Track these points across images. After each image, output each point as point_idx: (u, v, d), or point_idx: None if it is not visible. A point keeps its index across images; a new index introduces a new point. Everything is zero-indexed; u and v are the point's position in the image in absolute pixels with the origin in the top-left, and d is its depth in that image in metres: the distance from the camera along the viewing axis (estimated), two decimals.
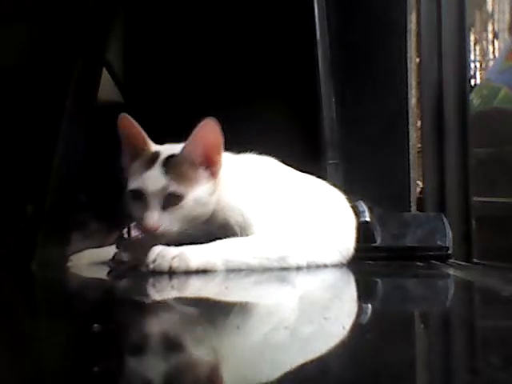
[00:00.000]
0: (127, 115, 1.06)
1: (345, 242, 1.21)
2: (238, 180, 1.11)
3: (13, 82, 1.34)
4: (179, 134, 1.06)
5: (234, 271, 1.02)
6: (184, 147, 1.05)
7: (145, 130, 1.08)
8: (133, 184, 1.03)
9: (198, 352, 0.54)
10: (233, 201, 1.08)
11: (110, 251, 1.15)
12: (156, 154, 1.06)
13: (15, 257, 1.12)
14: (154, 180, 1.02)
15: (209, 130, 1.02)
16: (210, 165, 1.05)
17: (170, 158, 1.05)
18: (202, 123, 1.02)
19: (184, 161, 1.04)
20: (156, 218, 1.00)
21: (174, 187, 1.02)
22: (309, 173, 1.26)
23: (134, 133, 1.07)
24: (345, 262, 1.20)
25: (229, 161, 1.11)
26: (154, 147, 1.09)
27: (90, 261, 1.20)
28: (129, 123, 1.06)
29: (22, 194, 1.17)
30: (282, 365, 0.49)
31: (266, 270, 1.04)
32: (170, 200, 1.02)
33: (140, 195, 1.02)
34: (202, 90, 1.65)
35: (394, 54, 1.62)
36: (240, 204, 1.08)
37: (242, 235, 1.06)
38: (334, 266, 1.16)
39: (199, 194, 1.03)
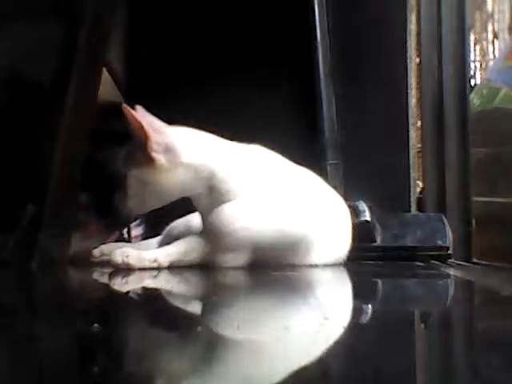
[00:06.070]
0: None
1: (340, 242, 1.19)
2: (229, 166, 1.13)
3: (13, 81, 1.34)
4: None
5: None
6: None
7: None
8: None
9: (199, 351, 0.54)
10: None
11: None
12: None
13: (15, 257, 1.11)
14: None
15: (127, 115, 1.07)
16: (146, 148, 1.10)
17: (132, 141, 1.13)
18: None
19: (134, 143, 1.11)
20: (124, 198, 1.12)
21: (121, 167, 1.12)
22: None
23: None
24: (340, 261, 1.18)
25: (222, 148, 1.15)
26: None
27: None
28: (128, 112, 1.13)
29: (23, 193, 1.17)
30: (282, 365, 0.49)
31: None
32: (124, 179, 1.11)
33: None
34: (202, 90, 1.65)
35: (394, 54, 1.62)
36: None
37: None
38: (329, 265, 1.15)
39: (137, 175, 1.10)
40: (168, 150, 1.09)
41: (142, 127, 1.08)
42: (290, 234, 1.09)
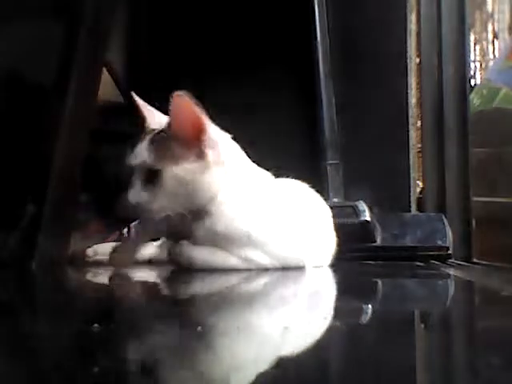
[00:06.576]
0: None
1: (323, 245, 1.17)
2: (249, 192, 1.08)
3: (13, 81, 1.34)
4: None
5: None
6: (167, 122, 1.04)
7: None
8: (125, 160, 1.04)
9: (198, 351, 0.54)
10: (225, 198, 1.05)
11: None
12: (151, 131, 1.05)
13: (15, 257, 1.11)
14: (136, 154, 1.02)
15: (179, 105, 0.99)
16: (197, 144, 1.01)
17: (158, 133, 1.04)
18: (172, 98, 0.98)
19: (168, 137, 1.02)
20: (135, 194, 1.00)
21: (151, 161, 1.00)
22: (308, 173, 1.26)
23: (140, 111, 1.09)
24: (324, 264, 1.16)
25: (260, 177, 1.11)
26: (156, 125, 1.07)
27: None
28: (135, 101, 1.10)
29: (23, 193, 1.17)
30: (282, 364, 0.49)
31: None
32: (149, 175, 1.00)
33: (128, 171, 1.02)
34: (201, 91, 1.64)
35: (394, 54, 1.62)
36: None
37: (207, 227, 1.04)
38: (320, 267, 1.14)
39: (178, 171, 1.00)
40: (215, 146, 1.03)
41: (198, 119, 1.00)
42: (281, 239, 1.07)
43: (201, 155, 1.01)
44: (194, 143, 1.01)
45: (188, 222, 1.04)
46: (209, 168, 1.02)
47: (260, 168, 1.13)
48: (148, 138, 1.03)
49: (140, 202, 1.00)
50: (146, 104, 1.11)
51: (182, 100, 0.98)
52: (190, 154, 1.01)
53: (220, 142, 1.05)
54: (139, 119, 1.09)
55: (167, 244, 1.11)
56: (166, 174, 1.00)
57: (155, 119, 1.09)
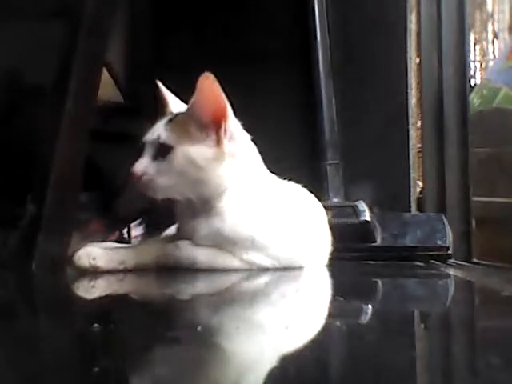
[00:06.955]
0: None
1: (321, 246, 1.16)
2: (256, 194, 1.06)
3: (13, 81, 1.34)
4: None
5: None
6: (189, 104, 1.02)
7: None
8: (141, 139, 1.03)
9: (198, 351, 0.54)
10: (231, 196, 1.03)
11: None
12: (170, 113, 1.07)
13: (15, 257, 1.11)
14: (152, 131, 1.02)
15: (206, 86, 0.98)
16: (215, 130, 1.00)
17: (178, 115, 1.04)
18: (200, 79, 0.97)
19: (188, 117, 1.01)
20: (143, 165, 0.99)
21: (164, 137, 0.99)
22: (308, 173, 1.26)
23: (160, 95, 1.11)
24: (322, 264, 1.15)
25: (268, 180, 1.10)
26: (176, 109, 1.08)
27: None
28: (160, 88, 1.11)
29: (23, 193, 1.17)
30: (282, 364, 0.49)
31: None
32: (161, 150, 0.99)
33: (142, 146, 1.02)
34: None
35: (394, 54, 1.62)
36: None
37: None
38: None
39: (190, 151, 0.98)
40: (232, 138, 1.02)
41: (221, 103, 0.98)
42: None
43: (217, 142, 1.00)
44: (213, 128, 1.00)
45: (190, 218, 1.04)
46: (223, 159, 1.01)
47: (268, 171, 1.13)
48: (167, 118, 1.04)
49: (147, 173, 0.98)
50: (168, 91, 1.12)
51: (210, 81, 0.97)
52: (206, 138, 1.00)
53: (238, 137, 1.04)
54: (160, 105, 1.10)
55: (161, 244, 1.09)
56: (177, 151, 0.98)
57: (176, 106, 1.10)
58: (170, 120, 1.03)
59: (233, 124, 1.03)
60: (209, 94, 0.98)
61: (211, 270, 1.03)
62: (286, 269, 1.05)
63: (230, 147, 1.01)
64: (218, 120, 1.00)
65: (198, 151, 0.99)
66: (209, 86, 0.97)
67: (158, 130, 1.01)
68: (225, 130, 1.00)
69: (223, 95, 0.99)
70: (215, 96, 0.98)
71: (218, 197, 1.02)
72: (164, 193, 1.00)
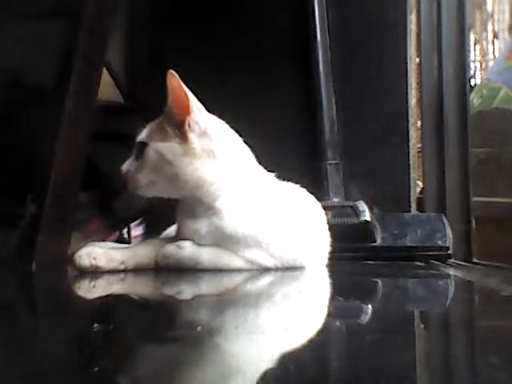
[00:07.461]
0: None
1: (320, 246, 1.16)
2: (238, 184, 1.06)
3: (13, 81, 1.34)
4: None
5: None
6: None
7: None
8: None
9: (199, 350, 0.54)
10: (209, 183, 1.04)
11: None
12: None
13: (15, 257, 1.11)
14: (143, 131, 1.07)
15: (170, 83, 1.01)
16: (183, 125, 1.03)
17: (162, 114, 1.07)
18: (167, 77, 1.00)
19: (164, 116, 1.05)
20: (127, 164, 1.05)
21: (143, 136, 1.05)
22: (308, 173, 1.25)
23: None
24: (321, 264, 1.15)
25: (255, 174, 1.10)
26: None
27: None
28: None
29: (23, 193, 1.17)
30: (282, 364, 0.49)
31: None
32: (140, 148, 1.05)
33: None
34: (201, 90, 1.64)
35: (394, 54, 1.62)
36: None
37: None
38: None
39: (159, 147, 1.02)
40: (204, 134, 1.04)
41: (186, 98, 1.01)
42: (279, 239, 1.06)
43: (183, 138, 1.02)
44: (182, 124, 1.03)
45: (190, 218, 1.04)
46: (194, 156, 1.02)
47: (263, 169, 1.13)
48: (158, 119, 1.07)
49: (129, 170, 1.05)
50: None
51: (173, 78, 1.00)
52: (176, 135, 1.03)
53: (214, 134, 1.05)
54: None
55: (161, 244, 1.09)
56: (150, 147, 1.03)
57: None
58: (157, 121, 1.06)
59: (204, 121, 1.04)
60: (173, 90, 1.02)
61: (213, 271, 1.03)
62: (288, 269, 1.06)
63: (202, 144, 1.03)
64: (182, 116, 1.03)
65: (166, 147, 1.03)
66: (173, 83, 1.01)
67: (144, 131, 1.06)
68: (189, 125, 1.02)
69: (186, 91, 1.01)
70: (178, 91, 1.02)
71: (213, 196, 1.03)
72: (147, 190, 1.05)
